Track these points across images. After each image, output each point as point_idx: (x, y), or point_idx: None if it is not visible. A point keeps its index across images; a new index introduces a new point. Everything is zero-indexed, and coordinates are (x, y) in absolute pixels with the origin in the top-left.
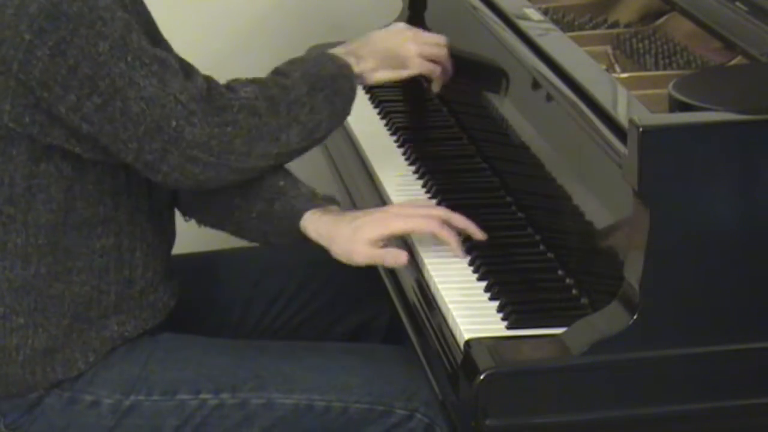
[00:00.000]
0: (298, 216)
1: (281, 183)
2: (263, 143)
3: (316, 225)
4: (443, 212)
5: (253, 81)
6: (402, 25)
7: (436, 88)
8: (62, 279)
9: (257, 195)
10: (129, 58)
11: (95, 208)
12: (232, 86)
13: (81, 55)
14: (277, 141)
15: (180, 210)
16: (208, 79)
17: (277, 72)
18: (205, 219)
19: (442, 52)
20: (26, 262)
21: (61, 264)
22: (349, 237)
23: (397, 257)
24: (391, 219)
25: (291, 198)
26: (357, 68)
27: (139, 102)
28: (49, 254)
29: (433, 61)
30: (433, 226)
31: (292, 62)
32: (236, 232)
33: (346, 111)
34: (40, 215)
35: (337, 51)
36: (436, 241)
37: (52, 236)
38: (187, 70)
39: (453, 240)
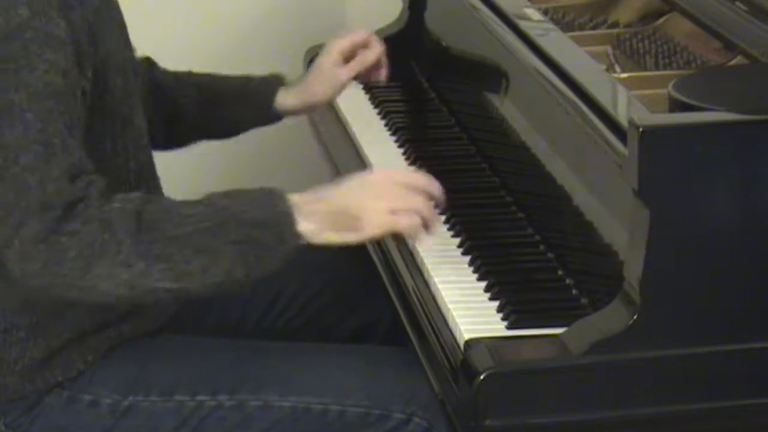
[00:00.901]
0: (270, 103)
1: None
2: (106, 264)
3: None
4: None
5: (144, 198)
6: (378, 176)
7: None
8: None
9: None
10: (29, 117)
11: None
12: (112, 197)
13: None
14: (128, 267)
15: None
16: (89, 189)
17: (204, 197)
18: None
19: (416, 203)
20: None
21: None
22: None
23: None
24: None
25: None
26: (299, 226)
27: (15, 166)
28: None
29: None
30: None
31: (228, 192)
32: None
33: (262, 266)
34: None
35: (293, 199)
36: (436, 240)
37: None
38: (77, 173)
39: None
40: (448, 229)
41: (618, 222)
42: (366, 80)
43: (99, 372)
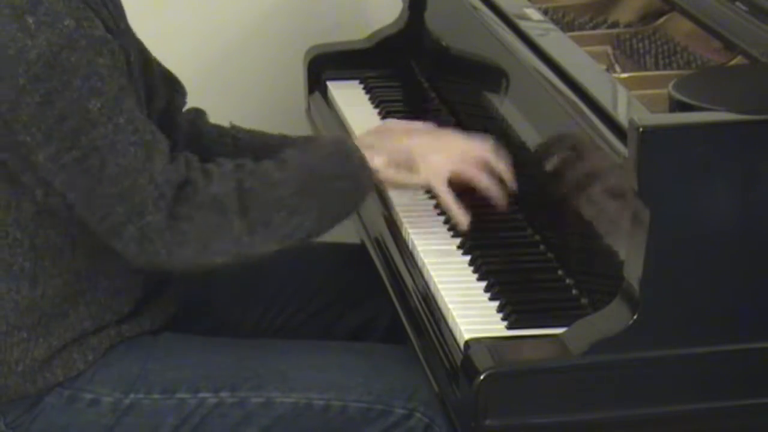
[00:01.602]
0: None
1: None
2: (221, 242)
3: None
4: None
5: (238, 168)
6: (457, 134)
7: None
8: (70, 300)
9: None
10: (121, 121)
11: None
12: (210, 173)
13: (69, 108)
14: (238, 242)
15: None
16: (189, 166)
17: (278, 159)
18: None
19: (480, 176)
20: (34, 284)
21: (70, 286)
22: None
23: None
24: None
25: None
26: (372, 163)
27: (114, 167)
28: (58, 277)
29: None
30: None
31: (306, 143)
32: None
33: (347, 209)
34: (49, 239)
35: (362, 143)
36: (436, 240)
37: (60, 260)
38: (171, 155)
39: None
40: (448, 229)
41: (618, 222)
42: None
43: (100, 371)
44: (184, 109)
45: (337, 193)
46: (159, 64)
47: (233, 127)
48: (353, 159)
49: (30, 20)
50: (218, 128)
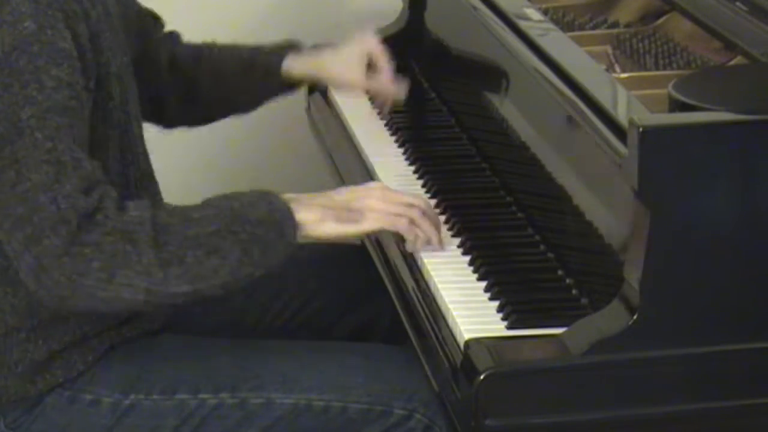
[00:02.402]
0: (278, 70)
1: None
2: (128, 273)
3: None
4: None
5: (155, 205)
6: (377, 184)
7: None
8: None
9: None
10: (39, 136)
11: None
12: (126, 205)
13: (3, 112)
14: (149, 276)
15: (164, 125)
16: (103, 199)
17: (203, 202)
18: (195, 120)
19: (412, 214)
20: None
21: None
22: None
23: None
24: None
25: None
26: (298, 216)
27: (26, 182)
28: None
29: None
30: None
31: (226, 195)
32: (233, 110)
33: (267, 262)
34: None
35: (287, 195)
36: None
37: None
38: (91, 185)
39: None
40: (448, 229)
41: (618, 222)
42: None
43: (100, 371)
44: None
45: (259, 241)
46: (143, 9)
47: (206, 46)
48: (278, 208)
49: None
50: (193, 50)
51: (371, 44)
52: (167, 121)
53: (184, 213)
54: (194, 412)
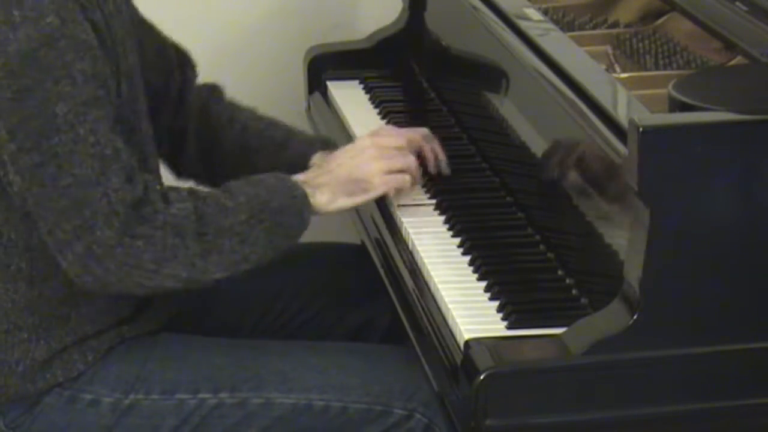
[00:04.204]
0: (307, 161)
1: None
2: (175, 265)
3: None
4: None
5: (193, 194)
6: (366, 142)
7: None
8: (69, 303)
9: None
10: (81, 131)
11: None
12: (169, 196)
13: (37, 108)
14: (192, 267)
15: (180, 175)
16: (148, 187)
17: (225, 189)
18: (208, 177)
19: (407, 161)
20: (31, 284)
21: (68, 288)
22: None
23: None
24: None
25: (293, 147)
26: (312, 199)
27: (69, 177)
28: (54, 278)
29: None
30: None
31: (247, 181)
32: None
33: (287, 245)
34: (42, 241)
35: (298, 178)
36: (436, 240)
37: (55, 261)
38: (131, 173)
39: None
40: (448, 229)
41: (618, 222)
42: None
43: (100, 371)
44: (197, 83)
45: (282, 227)
46: (169, 42)
47: (244, 111)
48: (297, 195)
49: (16, 13)
50: (230, 111)
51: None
52: (181, 166)
53: (218, 202)
54: (194, 412)
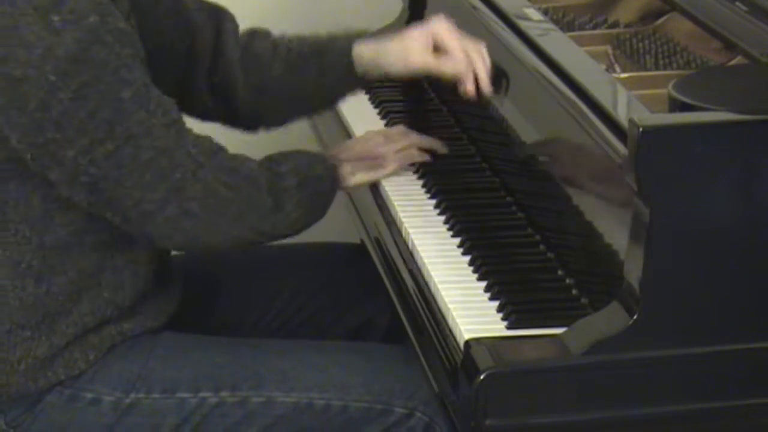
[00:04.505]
0: (349, 56)
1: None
2: (256, 216)
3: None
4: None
5: (248, 158)
6: (373, 131)
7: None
8: (74, 298)
9: (303, 66)
10: (151, 107)
11: (115, 228)
12: (236, 155)
13: (103, 100)
14: (267, 219)
15: (241, 127)
16: (212, 142)
17: (269, 159)
18: (272, 119)
19: (410, 138)
20: (39, 281)
21: (75, 284)
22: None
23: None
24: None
25: (334, 46)
26: (339, 171)
27: (150, 150)
28: (63, 274)
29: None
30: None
31: (283, 153)
32: (309, 108)
33: (322, 213)
34: (58, 237)
35: (327, 155)
36: (436, 240)
37: (68, 257)
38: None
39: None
40: (448, 229)
41: (618, 222)
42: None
43: (101, 370)
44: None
45: (321, 196)
46: (189, 6)
47: (283, 37)
48: (328, 166)
49: (55, 19)
50: (272, 42)
51: (436, 25)
52: (237, 117)
53: (270, 167)
54: (195, 410)
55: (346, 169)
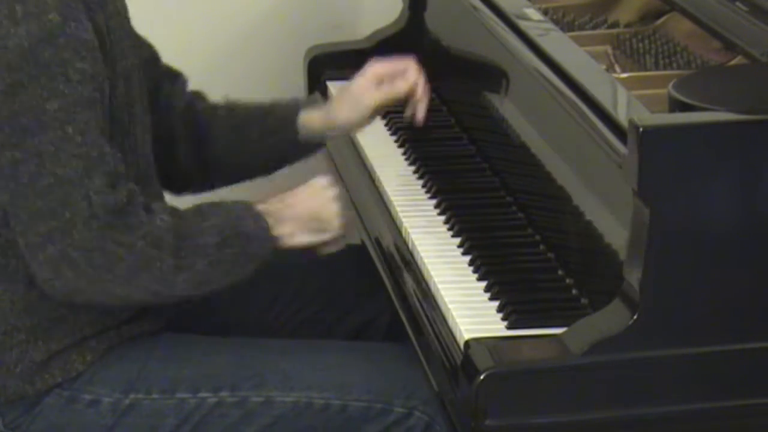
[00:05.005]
0: (294, 119)
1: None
2: (148, 278)
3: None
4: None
5: (173, 210)
6: (322, 181)
7: None
8: (67, 305)
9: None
10: (70, 130)
11: None
12: (152, 208)
13: (28, 104)
14: (164, 281)
15: (175, 186)
16: (131, 196)
17: (198, 210)
18: (216, 181)
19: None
20: (30, 286)
21: None
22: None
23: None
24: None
25: (278, 109)
26: (274, 232)
27: (51, 176)
28: None
29: None
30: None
31: (215, 205)
32: (249, 172)
33: (249, 273)
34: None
35: (266, 211)
36: (436, 240)
37: None
38: (116, 180)
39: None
40: (448, 229)
41: (618, 222)
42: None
43: (99, 371)
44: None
45: (247, 254)
46: (156, 54)
47: (227, 100)
48: (261, 225)
49: (18, 9)
50: (214, 103)
51: (372, 66)
52: (175, 173)
53: (195, 221)
54: (194, 411)
55: (285, 230)
